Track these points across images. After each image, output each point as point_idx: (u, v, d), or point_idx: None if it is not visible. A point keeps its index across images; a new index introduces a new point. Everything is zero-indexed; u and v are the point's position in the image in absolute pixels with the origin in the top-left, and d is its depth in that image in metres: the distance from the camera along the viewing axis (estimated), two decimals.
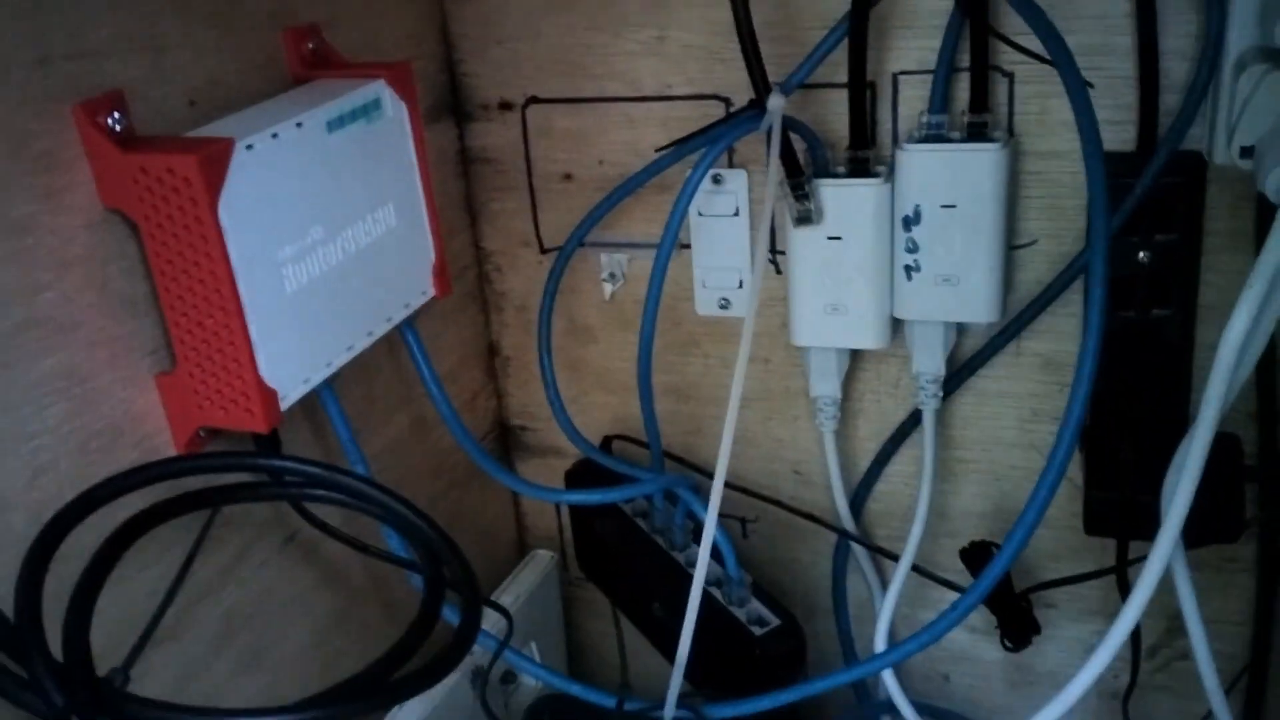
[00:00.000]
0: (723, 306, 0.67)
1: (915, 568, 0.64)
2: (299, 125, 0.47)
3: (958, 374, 0.63)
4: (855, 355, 0.65)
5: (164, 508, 0.41)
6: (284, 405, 0.48)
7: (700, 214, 0.65)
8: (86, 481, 0.43)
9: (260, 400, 0.46)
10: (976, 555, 0.62)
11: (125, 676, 0.35)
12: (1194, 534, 0.53)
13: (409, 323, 0.59)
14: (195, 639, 0.51)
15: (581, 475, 0.71)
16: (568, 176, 0.67)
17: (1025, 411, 0.64)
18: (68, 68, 0.42)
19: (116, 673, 0.35)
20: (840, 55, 0.57)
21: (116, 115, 0.44)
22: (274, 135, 0.46)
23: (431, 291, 0.58)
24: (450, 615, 0.48)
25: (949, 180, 0.57)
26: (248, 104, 0.50)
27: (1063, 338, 0.61)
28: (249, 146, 0.45)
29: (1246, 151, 0.51)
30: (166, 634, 0.49)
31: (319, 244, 0.49)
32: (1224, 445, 0.56)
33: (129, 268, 0.46)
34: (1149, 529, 0.51)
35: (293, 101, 0.50)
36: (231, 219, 0.44)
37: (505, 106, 0.67)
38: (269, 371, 0.47)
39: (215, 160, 0.43)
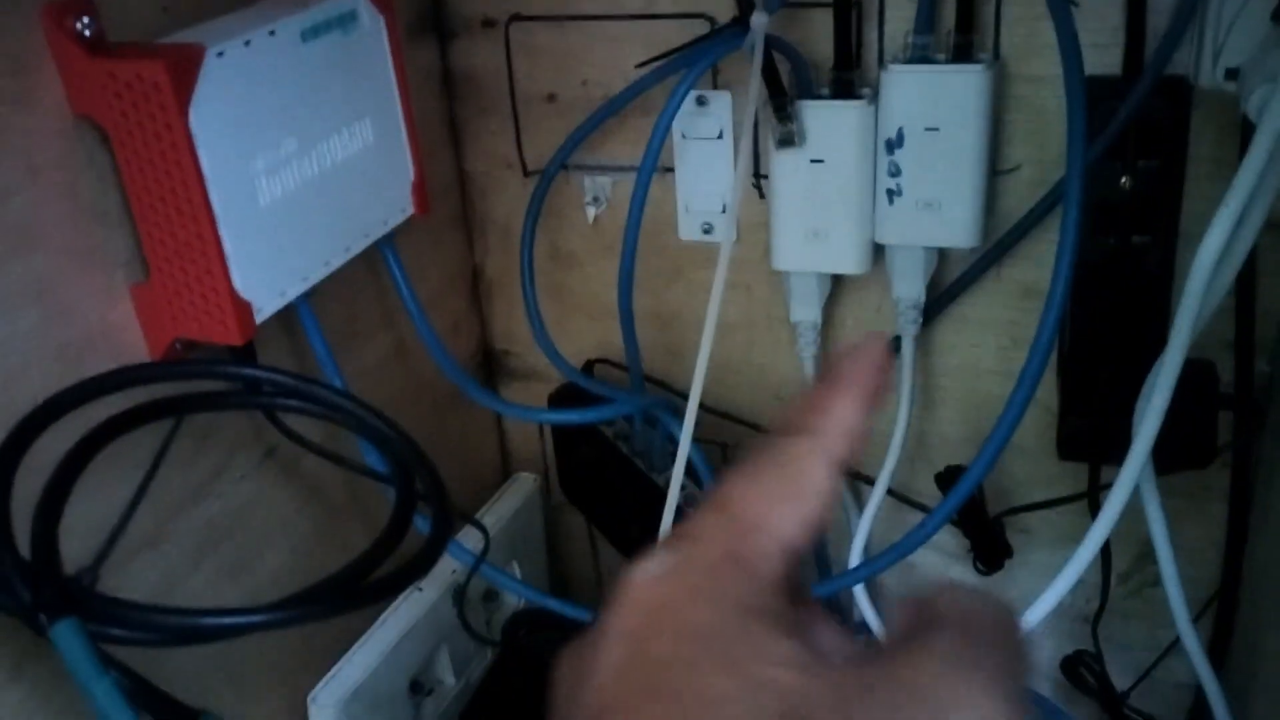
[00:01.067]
0: (706, 231, 0.67)
1: (891, 492, 0.65)
2: (272, 33, 0.47)
3: (938, 301, 0.63)
4: (836, 281, 0.65)
5: (135, 413, 0.41)
6: (259, 318, 0.48)
7: (684, 136, 0.65)
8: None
9: (234, 312, 0.46)
10: (951, 479, 0.62)
11: (94, 575, 0.35)
12: (1166, 459, 0.54)
13: (389, 242, 0.59)
14: (174, 549, 0.51)
15: (563, 399, 0.71)
16: (551, 97, 0.67)
17: (1004, 339, 0.64)
18: None
19: (85, 571, 0.35)
20: None
21: (85, 20, 0.43)
22: (246, 43, 0.46)
23: (411, 209, 0.58)
24: (423, 527, 0.49)
25: (933, 102, 0.56)
26: (223, 11, 0.49)
27: (1043, 264, 0.61)
28: (220, 54, 0.44)
29: (1231, 73, 0.50)
30: (145, 543, 0.50)
31: (293, 156, 0.49)
32: (1199, 371, 0.56)
33: (100, 176, 0.46)
34: (1121, 453, 0.51)
35: (268, 10, 0.49)
36: (202, 127, 0.44)
37: (488, 24, 0.66)
38: (243, 284, 0.47)
39: (185, 67, 0.43)
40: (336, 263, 0.53)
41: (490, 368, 0.78)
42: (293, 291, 0.50)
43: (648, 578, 0.24)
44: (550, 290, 0.72)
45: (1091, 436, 0.59)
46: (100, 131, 0.45)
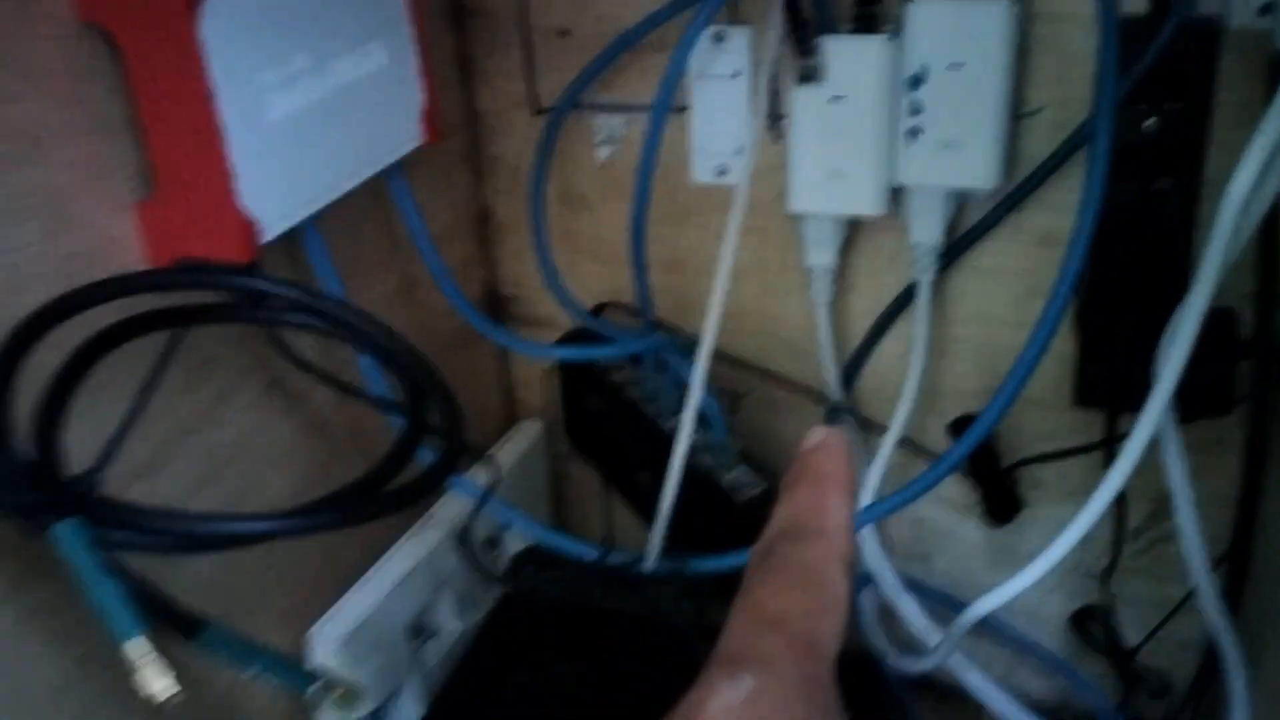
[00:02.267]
0: (720, 174, 0.66)
1: (903, 440, 0.64)
2: None
3: (954, 247, 0.62)
4: (852, 227, 0.64)
5: (136, 321, 0.40)
6: (265, 238, 0.47)
7: (700, 75, 0.64)
8: None
9: (240, 229, 0.45)
10: (963, 427, 0.61)
11: (96, 479, 0.34)
12: (1186, 406, 0.53)
13: (399, 172, 0.58)
14: (172, 476, 0.50)
15: (571, 343, 0.70)
16: (564, 33, 0.65)
17: (1020, 289, 0.63)
18: None
19: (87, 475, 0.34)
20: None
21: None
22: None
23: (421, 138, 0.57)
24: (426, 458, 0.48)
25: (958, 37, 0.55)
26: None
27: (1062, 212, 0.60)
28: None
29: (1266, 10, 0.49)
30: (146, 467, 0.49)
31: (304, 72, 0.48)
32: (1221, 318, 0.55)
33: (107, 87, 0.44)
34: (1140, 400, 0.50)
35: None
36: (213, 36, 0.42)
37: None
38: (250, 201, 0.46)
39: None
40: (345, 187, 0.52)
41: (497, 313, 0.77)
42: (300, 213, 0.49)
43: (727, 706, 0.22)
44: (559, 233, 0.71)
45: (1110, 383, 0.58)
46: (108, 39, 0.43)
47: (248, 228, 0.46)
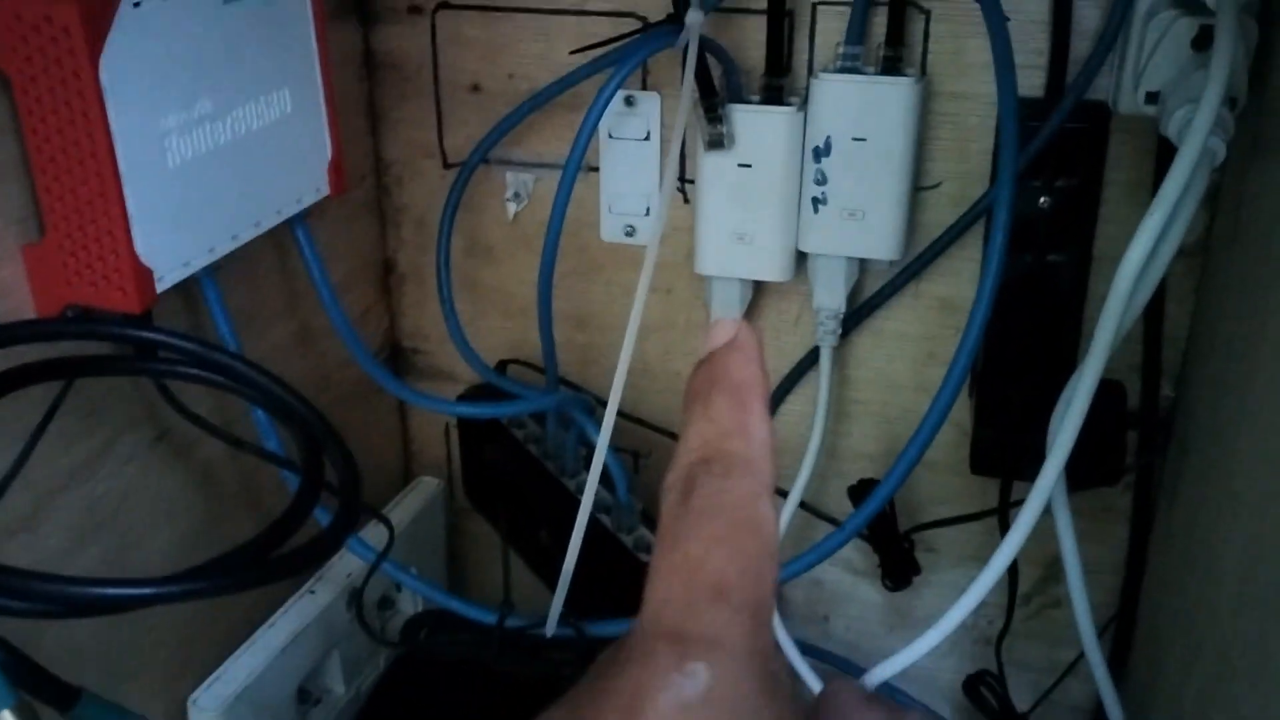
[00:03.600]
0: (628, 234, 0.66)
1: (803, 504, 0.64)
2: None
3: (856, 313, 0.63)
4: (758, 289, 0.64)
5: (20, 372, 0.38)
6: (160, 287, 0.45)
7: (610, 136, 0.64)
8: None
9: (134, 277, 0.44)
10: (863, 492, 0.62)
11: None
12: (1077, 476, 0.54)
13: (301, 222, 0.57)
14: (53, 531, 0.48)
15: (474, 399, 0.69)
16: (476, 88, 0.65)
17: (920, 354, 0.64)
18: None
19: None
20: None
21: None
22: None
23: (326, 189, 0.56)
24: (324, 519, 0.46)
25: (861, 112, 0.56)
26: None
27: (961, 281, 0.62)
28: (136, 3, 0.42)
29: (1152, 97, 0.51)
30: (22, 524, 0.46)
31: (207, 118, 0.46)
32: (1110, 390, 0.57)
33: None
34: (1033, 469, 0.52)
35: None
36: (113, 78, 0.41)
37: (414, 10, 0.64)
38: (145, 248, 0.44)
39: (99, 12, 0.40)
40: (245, 237, 0.51)
41: (398, 367, 0.75)
42: (197, 262, 0.48)
43: (683, 704, 0.20)
44: (464, 286, 0.70)
45: (1005, 451, 0.59)
46: (0, 76, 0.42)
47: (143, 275, 0.44)
